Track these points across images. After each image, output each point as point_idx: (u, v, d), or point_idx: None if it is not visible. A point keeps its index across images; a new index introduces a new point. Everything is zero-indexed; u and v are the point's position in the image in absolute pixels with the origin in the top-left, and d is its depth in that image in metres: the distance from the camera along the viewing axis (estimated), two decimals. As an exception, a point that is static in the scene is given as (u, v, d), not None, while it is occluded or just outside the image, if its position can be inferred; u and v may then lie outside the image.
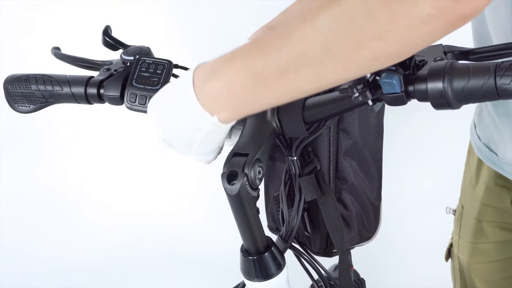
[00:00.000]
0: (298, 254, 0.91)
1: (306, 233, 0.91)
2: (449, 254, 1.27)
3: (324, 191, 0.85)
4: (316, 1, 0.59)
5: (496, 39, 0.91)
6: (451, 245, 1.25)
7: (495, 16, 0.89)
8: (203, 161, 0.74)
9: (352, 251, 0.97)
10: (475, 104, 1.15)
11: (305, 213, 0.88)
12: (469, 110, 1.11)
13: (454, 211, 1.23)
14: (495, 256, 1.14)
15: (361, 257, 1.21)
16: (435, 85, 0.64)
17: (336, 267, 1.03)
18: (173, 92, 0.70)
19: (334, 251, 0.92)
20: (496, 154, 1.04)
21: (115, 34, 0.93)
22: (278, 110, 0.75)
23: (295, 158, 0.83)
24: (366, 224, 0.91)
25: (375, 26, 0.54)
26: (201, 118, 0.67)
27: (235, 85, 0.63)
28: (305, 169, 0.85)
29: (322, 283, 0.94)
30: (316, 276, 0.95)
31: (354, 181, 0.87)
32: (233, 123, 0.69)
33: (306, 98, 0.75)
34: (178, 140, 0.71)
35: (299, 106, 0.74)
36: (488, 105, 1.03)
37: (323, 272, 0.93)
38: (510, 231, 1.10)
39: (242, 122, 0.76)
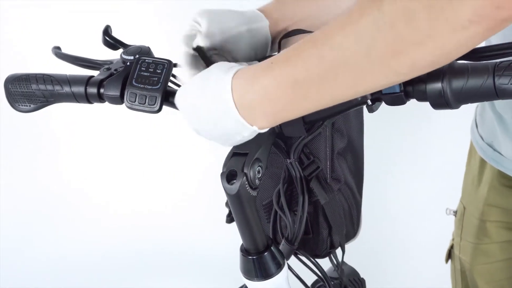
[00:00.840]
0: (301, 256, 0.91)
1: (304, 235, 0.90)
2: (449, 255, 1.26)
3: (327, 191, 0.85)
4: (355, 7, 0.58)
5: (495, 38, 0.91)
6: (451, 247, 1.25)
7: None
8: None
9: (352, 250, 0.98)
10: (475, 104, 1.15)
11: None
12: (469, 110, 1.11)
13: (455, 212, 1.23)
14: (499, 256, 1.13)
15: (362, 257, 1.21)
16: (434, 85, 0.65)
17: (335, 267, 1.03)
18: (209, 95, 0.68)
19: (329, 251, 0.92)
20: (500, 153, 1.04)
21: (115, 33, 0.93)
22: None
23: (294, 159, 0.83)
24: (355, 222, 0.91)
25: (416, 32, 0.54)
26: (239, 126, 0.67)
27: (274, 94, 0.63)
28: (305, 171, 0.85)
29: (325, 282, 0.94)
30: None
31: (346, 180, 0.88)
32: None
33: None
34: (213, 137, 0.72)
35: None
36: (496, 102, 1.03)
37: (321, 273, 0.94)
38: None
39: None
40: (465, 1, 0.51)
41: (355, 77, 0.60)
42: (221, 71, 0.68)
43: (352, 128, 0.88)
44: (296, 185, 0.85)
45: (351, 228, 0.92)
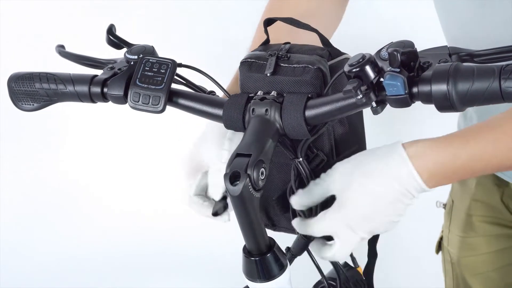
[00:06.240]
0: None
1: None
2: (439, 247, 1.30)
3: None
4: None
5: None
6: (441, 238, 1.28)
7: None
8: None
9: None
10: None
11: None
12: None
13: (445, 205, 1.26)
14: (484, 249, 1.17)
15: (361, 257, 1.21)
16: (439, 87, 0.64)
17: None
18: (387, 169, 0.76)
19: None
20: None
21: (119, 33, 0.93)
22: (281, 110, 0.75)
23: (301, 159, 0.83)
24: None
25: None
26: (417, 188, 0.75)
27: (450, 165, 0.74)
28: (311, 164, 0.84)
29: (337, 281, 0.95)
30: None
31: None
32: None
33: (307, 100, 0.75)
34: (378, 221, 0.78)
35: (301, 108, 0.74)
36: (471, 111, 1.08)
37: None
38: (499, 225, 1.14)
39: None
40: None
41: None
42: (385, 147, 0.78)
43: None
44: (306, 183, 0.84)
45: None
